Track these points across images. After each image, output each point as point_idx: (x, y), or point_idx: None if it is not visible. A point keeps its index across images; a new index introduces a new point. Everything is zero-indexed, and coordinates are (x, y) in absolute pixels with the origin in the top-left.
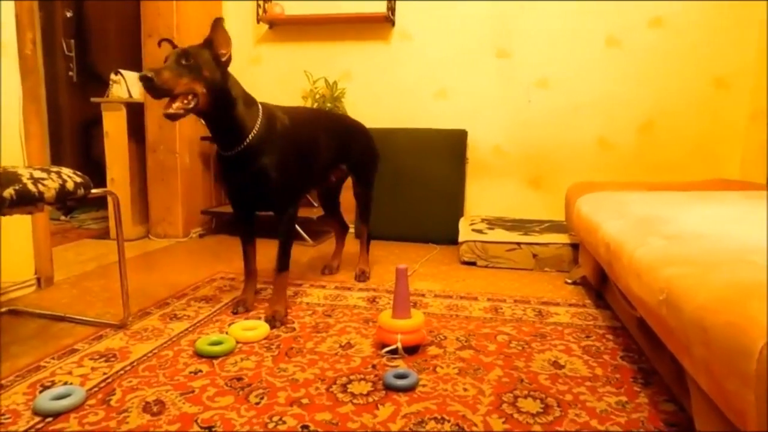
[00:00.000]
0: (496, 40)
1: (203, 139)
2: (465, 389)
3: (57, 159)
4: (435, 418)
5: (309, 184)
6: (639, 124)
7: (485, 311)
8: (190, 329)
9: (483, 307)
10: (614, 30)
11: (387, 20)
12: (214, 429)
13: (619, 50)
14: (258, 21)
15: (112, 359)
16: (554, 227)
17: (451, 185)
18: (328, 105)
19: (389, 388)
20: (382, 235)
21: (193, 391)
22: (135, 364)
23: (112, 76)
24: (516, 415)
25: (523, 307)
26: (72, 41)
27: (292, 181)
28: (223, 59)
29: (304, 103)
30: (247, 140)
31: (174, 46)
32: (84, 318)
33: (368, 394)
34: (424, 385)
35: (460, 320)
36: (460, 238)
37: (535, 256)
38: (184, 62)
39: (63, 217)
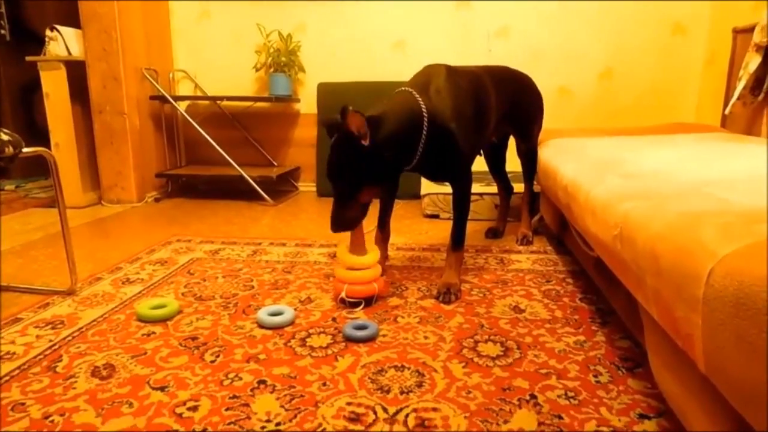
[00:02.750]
0: None
1: (153, 98)
2: (426, 337)
3: None
4: (395, 366)
5: (482, 146)
6: (599, 71)
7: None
8: (144, 292)
9: (445, 257)
10: None
11: None
12: (166, 389)
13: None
14: None
15: (59, 326)
16: (517, 177)
17: None
18: (283, 59)
19: (349, 339)
20: None
21: (145, 353)
22: (84, 329)
23: (48, 33)
24: (476, 359)
25: (485, 256)
26: None
27: (470, 147)
28: (365, 141)
29: (257, 58)
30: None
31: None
32: (30, 287)
33: (327, 346)
34: (384, 335)
35: (422, 271)
36: (422, 191)
37: (496, 206)
38: (346, 180)
39: (8, 187)
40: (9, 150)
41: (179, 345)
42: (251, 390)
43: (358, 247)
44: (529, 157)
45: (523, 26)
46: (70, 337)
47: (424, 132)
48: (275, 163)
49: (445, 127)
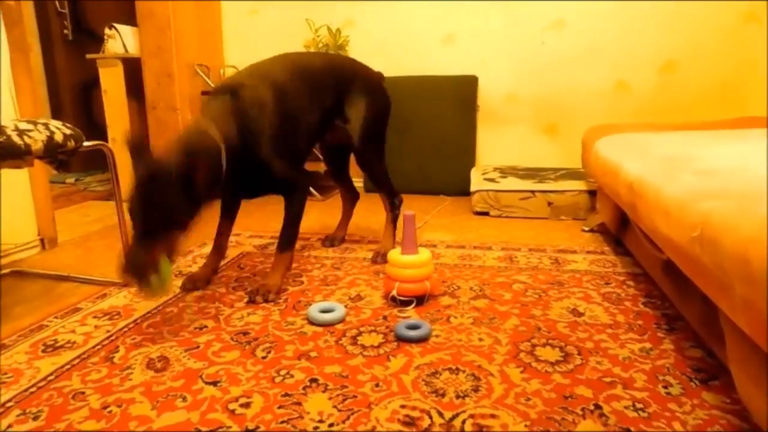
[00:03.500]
0: None
1: (204, 93)
2: (480, 339)
3: (58, 117)
4: (449, 369)
5: (304, 152)
6: (660, 64)
7: (499, 260)
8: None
9: (497, 256)
10: None
11: None
12: (219, 383)
13: None
14: None
15: (116, 317)
16: (570, 175)
17: (461, 134)
18: (331, 52)
19: (401, 339)
20: None
21: (198, 347)
22: (139, 321)
23: (107, 31)
24: (534, 364)
25: (538, 255)
26: None
27: (286, 157)
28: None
29: None
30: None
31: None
32: (88, 277)
33: (379, 345)
34: (437, 336)
35: (474, 270)
36: (472, 188)
37: (550, 204)
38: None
39: (68, 180)
40: (71, 143)
41: (231, 340)
42: (303, 388)
43: (410, 247)
44: (368, 164)
45: (578, 18)
46: (126, 329)
47: (224, 162)
48: (322, 158)
49: (255, 155)
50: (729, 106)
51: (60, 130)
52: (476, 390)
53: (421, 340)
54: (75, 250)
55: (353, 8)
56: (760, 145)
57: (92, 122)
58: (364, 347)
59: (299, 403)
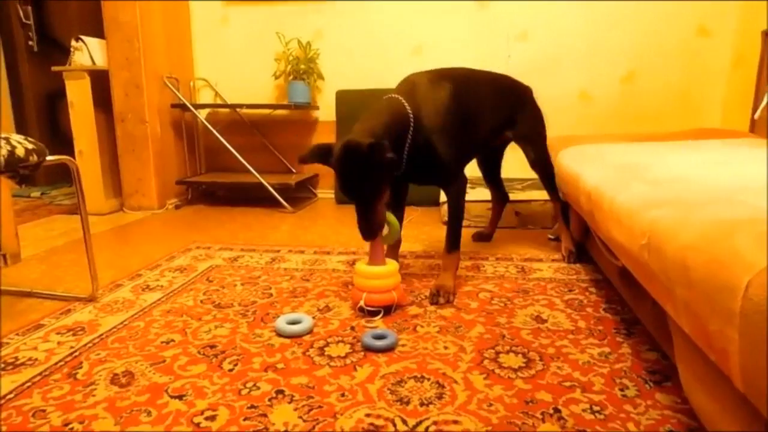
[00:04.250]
0: None
1: (174, 106)
2: (446, 347)
3: (22, 133)
4: (414, 377)
5: (471, 153)
6: (621, 75)
7: (467, 270)
8: (162, 299)
9: (465, 266)
10: None
11: None
12: (185, 397)
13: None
14: None
15: (80, 333)
16: (536, 185)
17: None
18: (302, 67)
19: (368, 349)
20: None
21: (164, 361)
22: (104, 336)
23: (73, 43)
24: (497, 371)
25: (505, 264)
26: (29, 8)
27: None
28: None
29: (276, 66)
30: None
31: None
32: (52, 293)
33: (346, 356)
34: (403, 345)
35: None
36: (441, 199)
37: (517, 213)
38: (367, 191)
39: (33, 194)
40: (33, 158)
41: (198, 353)
42: (269, 400)
43: (377, 258)
44: (542, 167)
45: (543, 30)
46: (90, 344)
47: (410, 134)
48: (294, 170)
49: (426, 135)
50: (685, 116)
51: (22, 144)
52: (440, 397)
53: (388, 349)
54: (39, 266)
55: (323, 18)
56: (708, 155)
57: (58, 134)
58: (331, 358)
59: (265, 415)
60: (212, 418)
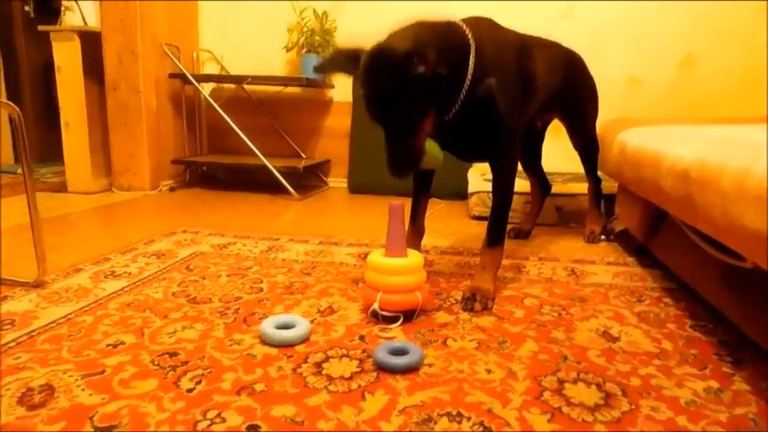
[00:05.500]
0: None
1: (172, 76)
2: (489, 370)
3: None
4: (448, 414)
5: (524, 121)
6: (678, 59)
7: (505, 270)
8: (126, 289)
9: (502, 265)
10: None
11: None
12: (115, 429)
13: None
14: None
15: (7, 327)
16: (579, 178)
17: None
18: (317, 38)
19: (382, 367)
20: (376, 190)
21: (102, 372)
22: (35, 333)
23: (64, 2)
24: (566, 409)
25: (551, 265)
26: None
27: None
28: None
29: (289, 37)
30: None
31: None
32: None
33: (351, 377)
34: (430, 365)
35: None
36: (470, 189)
37: (558, 209)
38: (403, 110)
39: (20, 171)
40: None
41: (151, 363)
42: None
43: (396, 247)
44: (587, 146)
45: (588, 8)
46: (13, 343)
47: (471, 64)
48: (304, 155)
49: (487, 83)
50: (754, 102)
51: None
52: None
53: (410, 369)
54: None
55: None
56: None
57: (53, 106)
58: (330, 379)
59: None
60: None
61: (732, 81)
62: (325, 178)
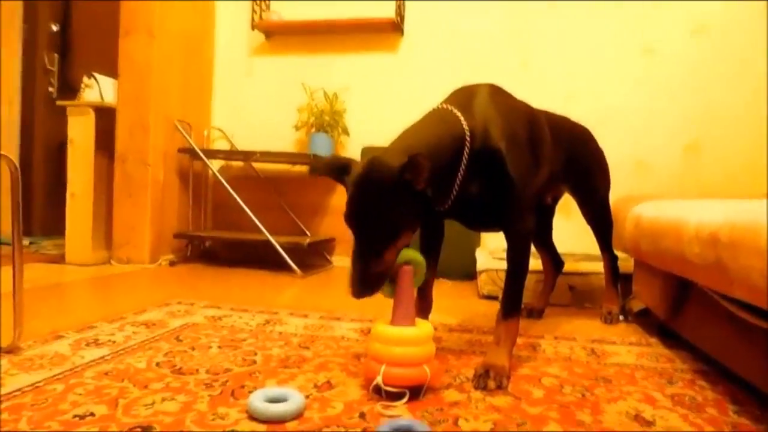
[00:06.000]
0: (516, 50)
1: (181, 151)
2: None
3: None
4: None
5: (536, 195)
6: (684, 143)
7: (519, 348)
8: (107, 357)
9: (516, 343)
10: (651, 39)
11: (395, 28)
12: None
13: (656, 61)
14: (253, 28)
15: None
16: (591, 258)
17: None
18: (326, 118)
19: None
20: None
21: None
22: None
23: (85, 80)
24: None
25: (568, 344)
26: (55, 55)
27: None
28: (420, 186)
29: (299, 116)
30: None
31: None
32: None
33: None
34: None
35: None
36: (479, 267)
37: (571, 288)
38: (379, 225)
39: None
40: None
41: None
42: None
43: (404, 316)
44: (600, 219)
45: (591, 91)
46: None
47: (465, 156)
48: (308, 233)
49: (492, 149)
50: (753, 185)
51: None
52: None
53: None
54: None
55: (353, 74)
56: None
57: (62, 184)
58: None
59: None
60: None
61: (735, 164)
62: (329, 257)
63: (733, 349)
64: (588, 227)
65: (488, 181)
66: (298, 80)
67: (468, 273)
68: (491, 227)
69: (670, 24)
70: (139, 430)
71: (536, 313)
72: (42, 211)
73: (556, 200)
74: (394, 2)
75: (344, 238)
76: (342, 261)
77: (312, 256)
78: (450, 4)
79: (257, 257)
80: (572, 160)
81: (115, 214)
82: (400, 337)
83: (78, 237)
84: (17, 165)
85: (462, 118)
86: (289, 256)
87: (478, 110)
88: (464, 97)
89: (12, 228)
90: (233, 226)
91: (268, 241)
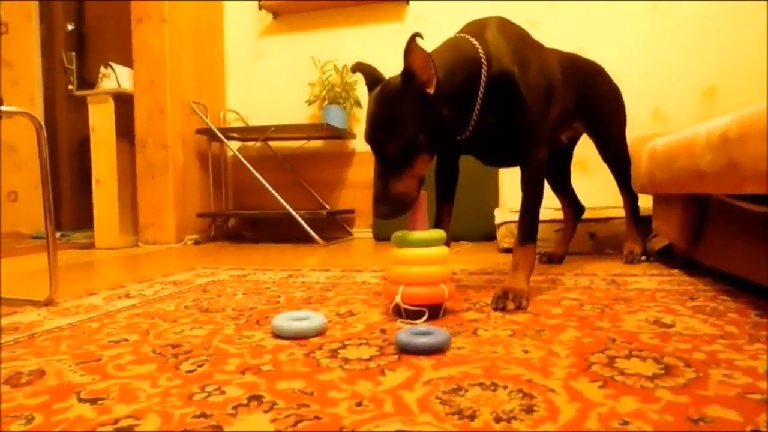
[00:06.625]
0: (524, 8)
1: (199, 132)
2: (526, 351)
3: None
4: (481, 384)
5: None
6: (700, 90)
7: (539, 283)
8: (137, 305)
9: (536, 279)
10: None
11: None
12: (101, 401)
13: (667, 10)
14: (260, 8)
15: (11, 332)
16: (611, 209)
17: (481, 174)
18: (338, 90)
19: (405, 349)
20: None
21: (98, 360)
22: (36, 335)
23: (102, 70)
24: (619, 378)
25: (588, 278)
26: (72, 54)
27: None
28: (430, 88)
29: (311, 91)
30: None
31: (366, 76)
32: (3, 297)
33: (370, 359)
34: (459, 348)
35: None
36: (497, 221)
37: (592, 235)
38: (400, 141)
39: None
40: None
41: (152, 352)
42: (234, 408)
43: (418, 223)
44: (617, 157)
45: (603, 44)
46: (12, 342)
47: (483, 81)
48: (327, 207)
49: (506, 73)
50: None
51: None
52: (529, 411)
53: (435, 350)
54: (12, 280)
55: (362, 48)
56: None
57: (86, 178)
58: (346, 360)
59: (219, 427)
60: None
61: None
62: (349, 229)
63: (754, 260)
64: (608, 180)
65: (504, 109)
66: (308, 56)
67: (487, 234)
68: (507, 161)
69: None
70: (169, 347)
71: (557, 259)
72: (70, 205)
73: (573, 142)
74: None
75: (363, 210)
76: (362, 233)
77: (333, 229)
78: None
79: (279, 234)
80: (585, 97)
81: (139, 197)
82: (414, 257)
83: (106, 222)
84: (40, 121)
85: (478, 45)
86: (310, 227)
87: (491, 39)
88: (477, 27)
89: (42, 186)
90: (254, 206)
91: (289, 216)
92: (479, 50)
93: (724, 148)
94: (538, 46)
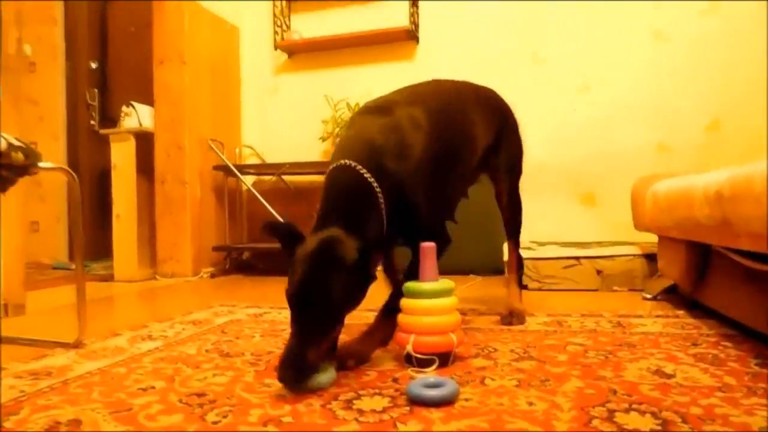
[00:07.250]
0: (529, 45)
1: (216, 168)
2: (530, 403)
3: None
4: None
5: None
6: (704, 123)
7: (545, 325)
8: (160, 347)
9: (542, 321)
10: (659, 23)
11: (410, 37)
12: None
13: (669, 44)
14: (276, 48)
15: (45, 377)
16: (618, 244)
17: (490, 208)
18: None
19: (416, 401)
20: None
21: (129, 409)
22: (69, 381)
23: (124, 108)
24: None
25: (594, 320)
26: (95, 90)
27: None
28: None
29: (324, 128)
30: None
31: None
32: (33, 339)
33: (384, 410)
34: (467, 399)
35: (514, 333)
36: (505, 258)
37: (599, 272)
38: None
39: (74, 267)
40: (18, 156)
41: (178, 402)
42: None
43: (429, 272)
44: (513, 203)
45: (607, 79)
46: (47, 389)
47: (383, 211)
48: None
49: (403, 198)
50: None
51: (7, 139)
52: None
53: (445, 402)
54: (39, 317)
55: (373, 85)
56: None
57: (105, 211)
58: (361, 412)
59: None
60: None
61: (759, 139)
62: None
63: (754, 308)
64: (616, 215)
65: (406, 220)
66: (322, 94)
67: (496, 268)
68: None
69: (677, 7)
70: (195, 396)
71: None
72: (90, 235)
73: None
74: (408, 12)
75: None
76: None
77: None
78: (460, 8)
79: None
80: (498, 136)
81: (158, 231)
82: (424, 308)
83: (125, 255)
84: (74, 175)
85: (367, 176)
86: None
87: (380, 163)
88: (361, 145)
89: (72, 233)
90: (268, 238)
91: None
92: (376, 189)
93: (719, 206)
94: (449, 108)
